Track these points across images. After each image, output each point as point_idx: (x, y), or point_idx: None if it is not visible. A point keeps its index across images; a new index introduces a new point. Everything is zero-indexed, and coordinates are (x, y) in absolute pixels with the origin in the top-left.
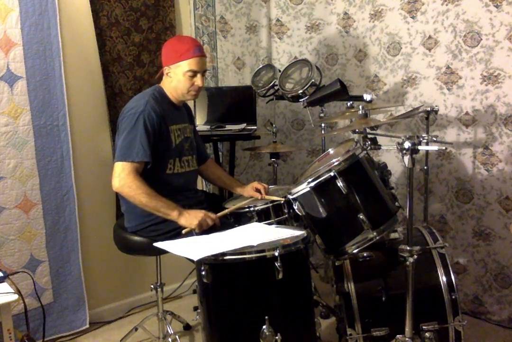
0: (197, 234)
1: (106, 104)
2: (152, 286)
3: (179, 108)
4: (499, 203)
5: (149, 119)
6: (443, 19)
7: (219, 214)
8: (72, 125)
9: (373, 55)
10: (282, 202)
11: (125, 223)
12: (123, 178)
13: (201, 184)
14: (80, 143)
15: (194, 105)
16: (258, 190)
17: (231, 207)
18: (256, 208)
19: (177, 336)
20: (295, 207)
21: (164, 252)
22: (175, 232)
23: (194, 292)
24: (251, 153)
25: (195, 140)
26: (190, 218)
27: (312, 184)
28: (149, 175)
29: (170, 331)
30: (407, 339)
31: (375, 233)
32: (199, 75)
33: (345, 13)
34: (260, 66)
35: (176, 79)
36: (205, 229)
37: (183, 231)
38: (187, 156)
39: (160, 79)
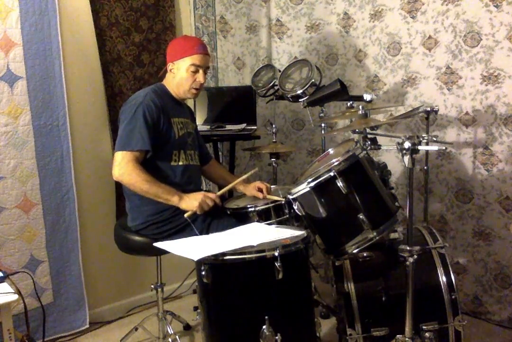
0: (197, 231)
1: (106, 104)
2: (152, 286)
3: (181, 104)
4: (499, 203)
5: (148, 110)
6: (443, 19)
7: (219, 193)
8: (72, 125)
9: (373, 55)
10: (283, 202)
11: (129, 222)
12: (123, 166)
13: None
14: (80, 143)
15: (194, 105)
16: (260, 189)
17: (231, 206)
18: (256, 208)
19: (177, 336)
20: (295, 207)
21: (164, 252)
22: (178, 228)
23: (194, 292)
24: (251, 153)
25: (197, 139)
26: (190, 201)
27: (312, 184)
28: (154, 166)
29: (170, 331)
30: (407, 339)
31: (375, 233)
32: (201, 71)
33: (345, 13)
34: (260, 66)
35: (179, 75)
36: (206, 210)
37: (185, 215)
38: (190, 150)
39: (163, 76)
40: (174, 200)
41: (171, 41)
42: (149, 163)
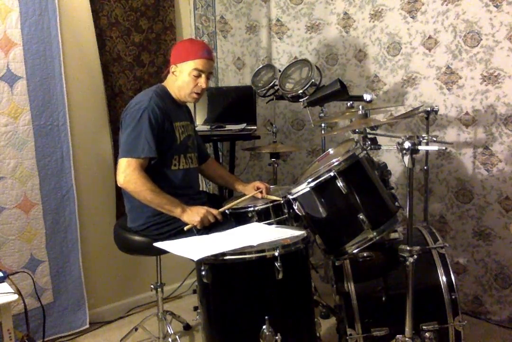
0: (198, 231)
1: (106, 104)
2: (152, 286)
3: (181, 107)
4: (499, 203)
5: (153, 115)
6: (443, 19)
7: (221, 210)
8: (72, 125)
9: (373, 55)
10: (281, 201)
11: (128, 223)
12: (128, 174)
13: (201, 184)
14: (80, 143)
15: (194, 105)
16: (259, 189)
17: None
18: (256, 208)
19: (177, 336)
20: (295, 207)
21: (164, 252)
22: (178, 230)
23: (194, 292)
24: (251, 153)
25: (196, 139)
26: (192, 215)
27: (312, 184)
28: (153, 170)
29: (170, 331)
30: (407, 339)
31: (375, 233)
32: (203, 76)
33: (345, 13)
34: (260, 66)
35: (181, 78)
36: (206, 225)
37: (185, 228)
38: (190, 153)
39: (166, 77)
40: (177, 211)
41: (177, 43)
42: (149, 168)
